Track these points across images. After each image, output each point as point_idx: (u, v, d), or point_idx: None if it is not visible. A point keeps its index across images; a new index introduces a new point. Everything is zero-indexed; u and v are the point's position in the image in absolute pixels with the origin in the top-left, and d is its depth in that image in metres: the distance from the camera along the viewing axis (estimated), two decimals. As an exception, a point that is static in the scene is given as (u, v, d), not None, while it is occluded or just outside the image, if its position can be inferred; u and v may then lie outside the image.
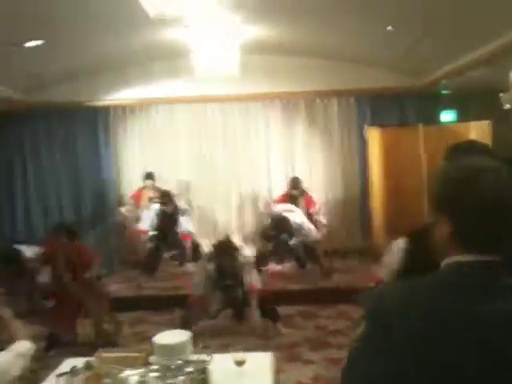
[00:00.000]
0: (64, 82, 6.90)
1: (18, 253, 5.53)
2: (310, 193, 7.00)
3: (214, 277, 4.67)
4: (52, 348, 4.44)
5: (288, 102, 7.50)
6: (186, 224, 6.67)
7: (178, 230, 6.62)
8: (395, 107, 7.32)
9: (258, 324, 4.68)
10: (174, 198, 6.69)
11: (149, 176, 7.04)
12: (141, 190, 7.10)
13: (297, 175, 7.11)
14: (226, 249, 4.75)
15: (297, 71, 6.99)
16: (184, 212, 6.73)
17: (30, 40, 5.02)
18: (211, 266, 4.69)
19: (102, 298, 4.88)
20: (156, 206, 6.58)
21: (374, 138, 6.82)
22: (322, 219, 6.64)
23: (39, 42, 5.11)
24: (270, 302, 4.82)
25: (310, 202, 6.87)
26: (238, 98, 7.29)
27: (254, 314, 4.65)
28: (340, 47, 6.43)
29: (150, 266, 6.47)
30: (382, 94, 7.15)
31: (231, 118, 7.53)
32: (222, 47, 5.26)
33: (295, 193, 6.81)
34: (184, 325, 4.18)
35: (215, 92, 7.00)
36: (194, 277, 4.96)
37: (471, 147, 2.09)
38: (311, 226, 6.26)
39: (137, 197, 7.08)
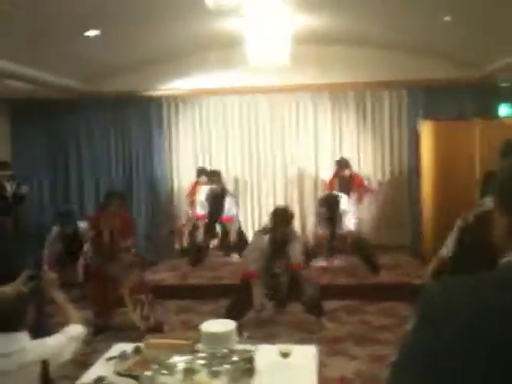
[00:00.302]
0: (119, 72, 7.04)
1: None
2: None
3: (268, 252, 4.65)
4: (100, 333, 4.56)
5: (337, 93, 7.40)
6: (230, 206, 6.72)
7: (223, 214, 6.70)
8: (450, 100, 7.05)
9: (307, 301, 4.65)
10: (223, 179, 6.92)
11: (202, 172, 7.11)
12: (195, 185, 7.17)
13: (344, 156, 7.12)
14: (283, 216, 4.69)
15: (347, 61, 6.85)
16: (231, 194, 6.83)
17: (88, 30, 5.17)
18: (266, 239, 4.68)
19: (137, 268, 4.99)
20: (205, 188, 6.74)
21: (428, 131, 6.63)
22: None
23: (97, 32, 5.25)
24: (316, 297, 4.79)
25: (360, 182, 6.91)
26: (288, 89, 7.25)
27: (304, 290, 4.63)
28: (393, 37, 6.26)
29: (197, 257, 6.66)
30: (436, 85, 6.92)
31: (280, 108, 7.50)
32: (274, 37, 5.25)
33: (344, 173, 6.81)
34: (231, 314, 4.21)
35: (265, 83, 6.99)
36: (248, 249, 4.94)
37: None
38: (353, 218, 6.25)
39: (191, 194, 7.18)
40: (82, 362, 3.18)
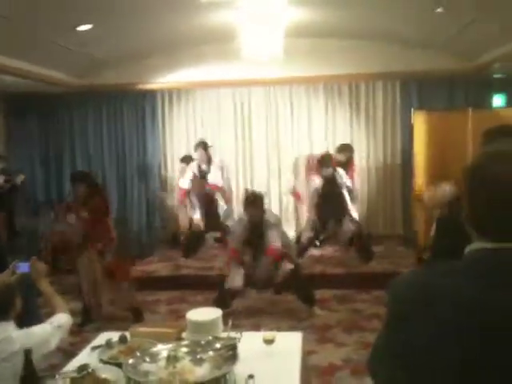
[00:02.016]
0: (113, 65, 7.05)
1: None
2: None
3: (245, 237, 4.71)
4: (87, 323, 4.56)
5: (332, 84, 7.40)
6: (215, 174, 6.52)
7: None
8: (443, 91, 7.09)
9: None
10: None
11: (186, 160, 7.00)
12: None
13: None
14: (253, 200, 4.73)
15: (341, 54, 6.87)
16: (217, 164, 6.63)
17: (81, 24, 5.16)
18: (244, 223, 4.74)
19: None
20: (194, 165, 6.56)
21: (421, 122, 6.64)
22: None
23: (89, 26, 5.25)
24: (306, 286, 4.85)
25: (352, 172, 6.68)
26: (282, 81, 7.26)
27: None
28: (386, 28, 6.26)
29: (191, 248, 6.56)
30: (429, 76, 6.94)
31: (274, 101, 7.51)
32: (267, 30, 5.25)
33: (341, 158, 6.52)
34: (218, 303, 4.26)
35: (259, 75, 6.99)
36: (233, 228, 5.02)
37: (507, 131, 2.03)
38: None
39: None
40: (70, 351, 3.22)
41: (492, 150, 1.05)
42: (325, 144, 7.36)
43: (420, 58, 6.77)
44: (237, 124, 7.56)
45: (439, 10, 5.05)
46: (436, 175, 6.42)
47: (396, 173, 7.38)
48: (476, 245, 1.01)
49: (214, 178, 6.50)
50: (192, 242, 6.57)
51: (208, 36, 6.53)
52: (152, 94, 7.49)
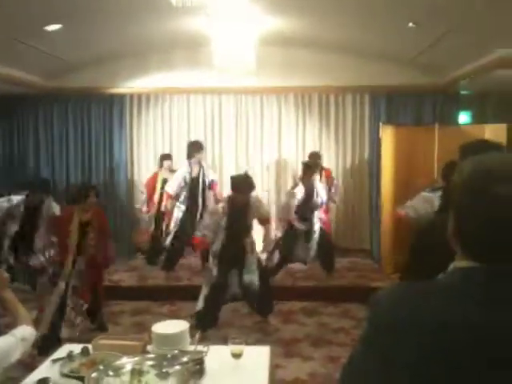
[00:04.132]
0: (81, 68, 6.93)
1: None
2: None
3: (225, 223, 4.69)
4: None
5: (302, 96, 7.44)
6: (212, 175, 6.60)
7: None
8: (412, 105, 7.21)
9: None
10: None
11: (166, 157, 6.88)
12: (156, 175, 6.88)
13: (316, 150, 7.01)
14: (243, 183, 4.72)
15: (312, 65, 6.93)
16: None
17: (50, 23, 5.03)
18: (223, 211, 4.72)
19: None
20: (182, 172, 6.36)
21: (389, 136, 6.73)
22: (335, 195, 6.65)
23: (58, 27, 5.12)
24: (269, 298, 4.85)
25: (328, 175, 6.78)
26: (253, 91, 7.25)
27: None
28: (358, 42, 6.34)
29: (170, 261, 6.29)
30: (398, 91, 7.06)
31: (245, 110, 7.49)
32: (240, 38, 5.22)
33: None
34: (199, 324, 4.25)
35: (230, 84, 6.98)
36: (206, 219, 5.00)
37: (484, 147, 2.04)
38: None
39: (151, 184, 6.85)
40: (30, 364, 3.07)
41: (485, 165, 0.97)
42: (294, 154, 7.37)
43: (390, 73, 6.89)
44: (206, 132, 7.50)
45: (411, 24, 5.15)
46: (402, 188, 6.52)
47: (363, 184, 7.44)
48: (461, 263, 0.97)
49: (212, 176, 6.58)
50: (173, 254, 6.30)
51: (179, 42, 6.47)
52: (120, 98, 7.37)
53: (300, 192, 5.89)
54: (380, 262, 6.66)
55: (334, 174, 7.39)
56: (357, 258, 7.00)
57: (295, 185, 6.28)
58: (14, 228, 5.21)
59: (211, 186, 6.50)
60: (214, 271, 4.66)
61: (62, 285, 4.36)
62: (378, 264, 6.71)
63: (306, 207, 5.90)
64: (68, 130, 7.41)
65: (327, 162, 7.40)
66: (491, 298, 0.90)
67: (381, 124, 6.86)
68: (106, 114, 7.39)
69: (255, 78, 6.72)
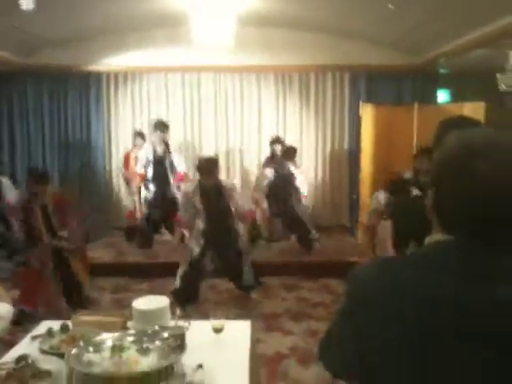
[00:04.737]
0: (58, 46, 6.78)
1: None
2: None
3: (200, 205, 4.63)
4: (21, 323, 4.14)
5: (282, 74, 7.39)
6: (180, 163, 6.29)
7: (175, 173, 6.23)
8: (391, 85, 7.25)
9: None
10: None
11: (138, 135, 6.78)
12: (128, 155, 6.84)
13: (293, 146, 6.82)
14: (206, 166, 4.65)
15: (292, 44, 6.91)
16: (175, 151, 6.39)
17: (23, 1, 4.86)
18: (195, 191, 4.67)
19: None
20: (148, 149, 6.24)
21: (368, 114, 6.75)
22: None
23: (33, 4, 4.95)
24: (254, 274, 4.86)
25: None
26: (233, 69, 7.18)
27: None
28: (338, 22, 6.31)
29: (146, 238, 6.26)
30: (378, 71, 7.07)
31: (224, 88, 7.42)
32: (219, 16, 5.15)
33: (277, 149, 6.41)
34: (177, 298, 4.24)
35: (210, 62, 6.90)
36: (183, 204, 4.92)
37: (463, 123, 2.06)
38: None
39: (127, 163, 6.80)
40: (9, 341, 3.05)
41: (467, 142, 0.94)
42: (275, 132, 7.34)
43: (369, 53, 6.90)
44: (185, 110, 7.42)
45: (391, 7, 5.13)
46: (382, 166, 6.58)
47: (343, 162, 7.48)
48: (438, 235, 0.98)
49: (178, 163, 6.26)
50: (145, 233, 6.27)
51: (158, 19, 6.35)
52: (97, 76, 7.23)
53: (270, 173, 6.03)
54: (357, 239, 6.74)
55: (313, 153, 7.41)
56: (336, 235, 7.07)
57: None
58: None
59: (175, 174, 6.25)
60: (196, 250, 4.66)
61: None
62: (355, 241, 6.78)
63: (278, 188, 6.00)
64: (43, 107, 7.27)
65: (307, 140, 7.40)
66: (469, 272, 0.89)
67: (361, 102, 6.88)
68: (83, 91, 7.26)
69: (234, 56, 6.66)
